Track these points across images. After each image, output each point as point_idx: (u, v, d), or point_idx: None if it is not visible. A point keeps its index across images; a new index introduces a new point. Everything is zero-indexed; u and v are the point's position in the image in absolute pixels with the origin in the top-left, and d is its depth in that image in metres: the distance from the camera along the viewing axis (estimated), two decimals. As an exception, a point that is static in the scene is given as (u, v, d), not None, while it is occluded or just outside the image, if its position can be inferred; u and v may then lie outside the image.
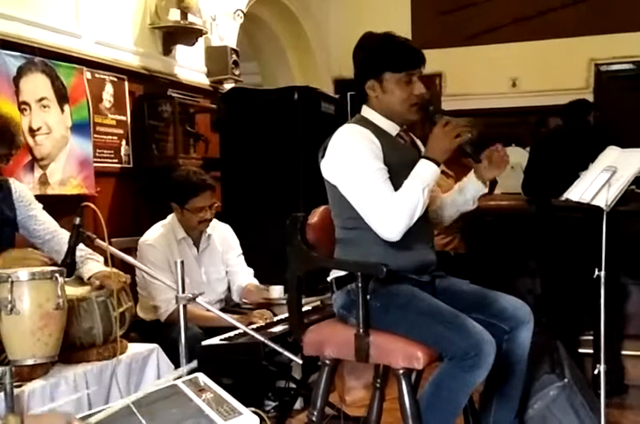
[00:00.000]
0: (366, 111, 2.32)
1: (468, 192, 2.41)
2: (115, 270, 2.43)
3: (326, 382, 2.26)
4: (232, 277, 3.35)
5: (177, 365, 2.40)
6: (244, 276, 3.37)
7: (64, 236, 2.51)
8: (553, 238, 3.87)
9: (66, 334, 2.23)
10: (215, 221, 3.31)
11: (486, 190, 2.41)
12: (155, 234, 3.14)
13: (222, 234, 3.37)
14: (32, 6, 3.14)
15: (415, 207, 2.12)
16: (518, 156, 5.29)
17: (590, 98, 5.06)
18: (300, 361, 2.50)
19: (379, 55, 2.24)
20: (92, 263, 2.44)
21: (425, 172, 2.16)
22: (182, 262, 2.25)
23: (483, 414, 2.32)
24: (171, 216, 3.22)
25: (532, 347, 2.27)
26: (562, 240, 3.80)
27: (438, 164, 2.17)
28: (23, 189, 2.60)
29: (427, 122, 2.27)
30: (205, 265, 3.27)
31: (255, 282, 3.40)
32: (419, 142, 2.45)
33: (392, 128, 2.30)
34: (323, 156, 2.27)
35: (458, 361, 2.01)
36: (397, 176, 2.16)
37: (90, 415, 1.80)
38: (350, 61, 2.33)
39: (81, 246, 2.40)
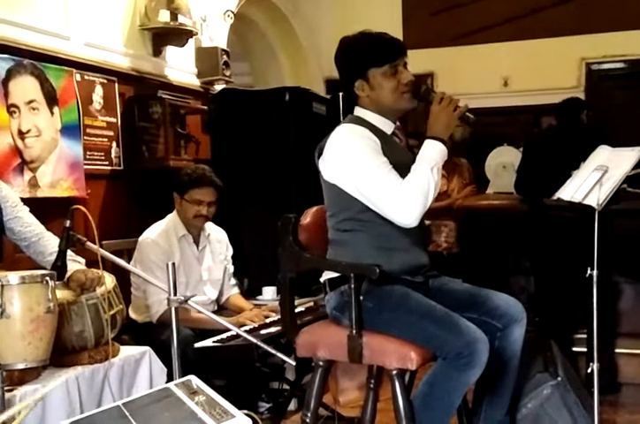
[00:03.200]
0: (359, 111, 2.32)
1: None
2: (104, 273, 2.41)
3: (320, 383, 2.26)
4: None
5: (169, 367, 2.40)
6: (228, 288, 3.40)
7: (49, 238, 2.50)
8: (546, 236, 3.87)
9: (57, 337, 2.21)
10: (211, 223, 3.32)
11: None
12: (156, 231, 3.15)
13: (218, 238, 3.37)
14: (20, 8, 3.12)
15: (427, 188, 2.11)
16: (510, 156, 5.31)
17: (582, 97, 5.06)
18: (294, 363, 2.50)
19: (359, 54, 2.25)
20: (71, 264, 2.41)
21: (431, 152, 2.17)
22: (173, 264, 2.24)
23: (474, 411, 2.32)
24: (171, 215, 3.24)
25: (525, 346, 2.27)
26: (555, 239, 3.81)
27: (444, 141, 2.17)
28: (9, 190, 2.58)
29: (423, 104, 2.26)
30: (205, 263, 3.28)
31: (238, 294, 3.45)
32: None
33: (387, 126, 2.30)
34: (319, 156, 2.26)
35: (452, 361, 2.01)
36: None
37: (82, 419, 1.79)
38: (341, 61, 2.33)
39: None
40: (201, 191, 3.15)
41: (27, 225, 2.49)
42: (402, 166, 2.18)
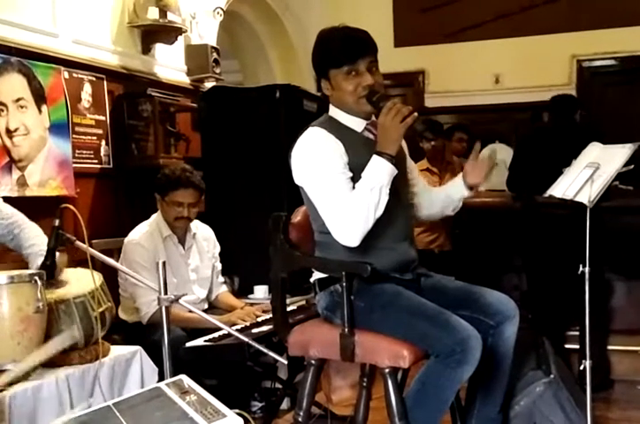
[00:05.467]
0: (331, 110, 2.30)
1: (453, 194, 2.43)
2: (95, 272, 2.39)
3: (312, 381, 2.25)
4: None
5: (160, 367, 2.38)
6: (217, 286, 3.39)
7: (29, 227, 2.46)
8: (538, 234, 3.87)
9: (47, 337, 2.20)
10: (197, 222, 3.29)
11: (468, 194, 2.40)
12: (141, 233, 3.12)
13: (205, 235, 3.35)
14: (8, 5, 3.09)
15: (365, 210, 2.06)
16: (502, 153, 5.29)
17: (573, 94, 5.06)
18: (286, 361, 2.48)
19: (321, 53, 2.23)
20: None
21: (374, 171, 2.08)
22: (164, 263, 2.22)
23: (467, 409, 2.31)
24: (155, 215, 3.21)
25: (518, 343, 2.27)
26: (547, 237, 3.81)
27: (392, 157, 2.08)
28: None
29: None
30: (192, 263, 3.26)
31: (227, 291, 3.44)
32: None
33: (357, 124, 2.25)
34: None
35: (444, 358, 2.00)
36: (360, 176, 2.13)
37: (72, 420, 1.78)
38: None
39: (39, 241, 2.38)
40: (180, 193, 3.10)
41: (8, 217, 2.45)
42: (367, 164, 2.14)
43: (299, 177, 2.21)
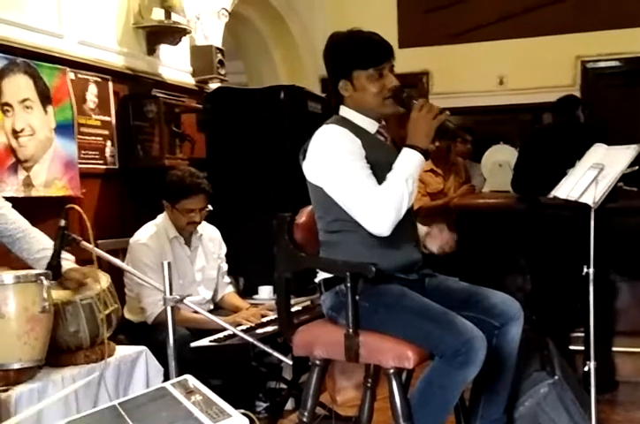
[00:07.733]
0: (343, 111, 2.30)
1: None
2: (99, 271, 2.40)
3: (317, 382, 2.25)
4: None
5: (165, 367, 2.38)
6: (222, 287, 3.39)
7: (35, 234, 2.45)
8: (543, 235, 3.86)
9: (53, 337, 2.21)
10: (203, 222, 3.30)
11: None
12: (147, 233, 3.12)
13: (211, 236, 3.36)
14: (14, 6, 3.10)
15: (400, 199, 2.09)
16: (507, 154, 5.30)
17: (577, 95, 5.06)
18: (291, 362, 2.49)
19: (345, 54, 2.23)
20: (62, 262, 2.39)
21: (408, 162, 2.13)
22: (169, 263, 2.22)
23: (471, 410, 2.31)
24: (162, 216, 3.21)
25: (522, 344, 2.27)
26: (552, 238, 3.80)
27: (423, 151, 2.14)
28: None
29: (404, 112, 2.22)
30: (198, 264, 3.26)
31: (233, 292, 3.44)
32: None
33: (370, 125, 2.28)
34: (304, 158, 2.25)
35: (449, 359, 2.00)
36: (377, 175, 2.14)
37: (78, 419, 1.78)
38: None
39: (49, 246, 2.37)
40: (191, 200, 3.10)
41: (12, 222, 2.45)
42: (384, 164, 2.16)
43: (318, 173, 2.20)
